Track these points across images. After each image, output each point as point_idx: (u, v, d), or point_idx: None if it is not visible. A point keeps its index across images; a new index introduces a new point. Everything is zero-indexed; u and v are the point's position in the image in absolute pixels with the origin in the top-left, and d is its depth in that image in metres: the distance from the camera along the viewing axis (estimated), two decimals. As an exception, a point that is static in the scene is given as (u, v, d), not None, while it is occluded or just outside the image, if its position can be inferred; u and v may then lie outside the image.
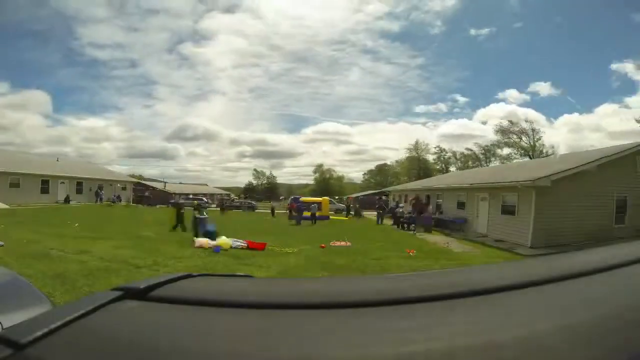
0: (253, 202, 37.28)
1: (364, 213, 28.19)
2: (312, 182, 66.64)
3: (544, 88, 61.87)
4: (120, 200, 31.58)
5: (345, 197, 49.58)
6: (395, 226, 18.24)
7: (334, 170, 66.38)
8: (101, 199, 30.14)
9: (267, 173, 69.28)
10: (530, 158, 41.41)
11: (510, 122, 48.41)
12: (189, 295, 0.53)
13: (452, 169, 52.08)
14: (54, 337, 0.39)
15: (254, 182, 68.59)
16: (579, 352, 0.32)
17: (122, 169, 45.71)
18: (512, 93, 59.17)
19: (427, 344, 0.34)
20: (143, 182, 45.33)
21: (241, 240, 9.88)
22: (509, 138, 48.41)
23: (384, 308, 0.43)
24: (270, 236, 11.68)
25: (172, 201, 24.54)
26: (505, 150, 49.05)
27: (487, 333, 0.35)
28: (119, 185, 35.04)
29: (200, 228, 10.67)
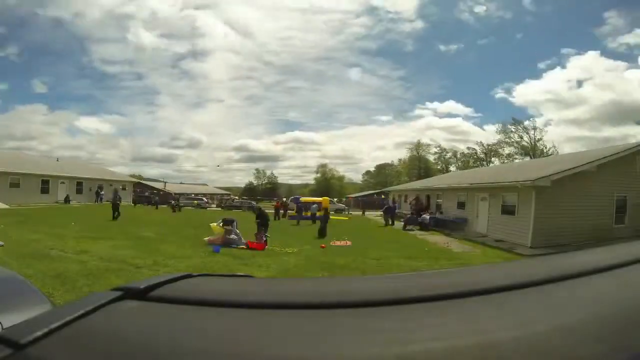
0: (253, 202, 37.27)
1: (366, 213, 28.21)
2: (312, 182, 66.81)
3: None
4: (121, 201, 31.51)
5: (344, 198, 49.62)
6: (392, 226, 18.24)
7: (335, 170, 66.54)
8: (101, 199, 30.13)
9: (268, 173, 69.39)
10: (531, 158, 41.42)
11: (514, 119, 48.45)
12: (189, 295, 0.53)
13: (453, 168, 52.12)
14: (54, 337, 0.39)
15: (255, 182, 68.68)
16: (579, 352, 0.32)
17: (122, 170, 46.58)
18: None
19: (427, 344, 0.34)
20: (143, 182, 45.34)
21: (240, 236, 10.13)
22: (510, 138, 48.46)
23: (384, 308, 0.43)
24: (270, 236, 11.67)
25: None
26: (506, 150, 49.13)
27: (487, 333, 0.35)
28: (120, 186, 35.04)
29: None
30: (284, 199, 29.63)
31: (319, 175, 66.17)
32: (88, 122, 68.18)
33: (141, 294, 0.52)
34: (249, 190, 64.34)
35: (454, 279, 0.55)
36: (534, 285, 0.46)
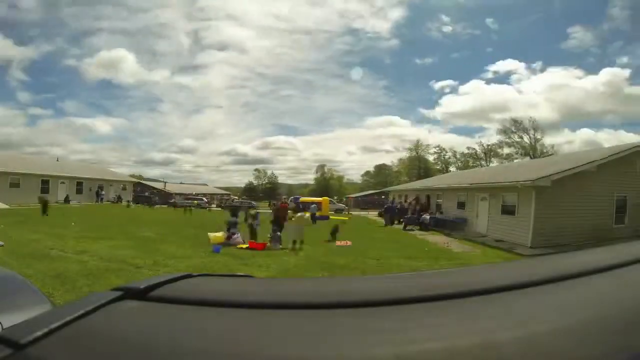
0: (253, 202, 37.26)
1: (366, 213, 28.20)
2: (312, 182, 66.86)
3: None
4: (121, 201, 31.60)
5: (344, 198, 49.62)
6: (391, 225, 18.24)
7: (334, 170, 66.58)
8: (101, 199, 30.14)
9: (269, 173, 69.43)
10: (531, 158, 41.42)
11: (514, 120, 48.45)
12: (189, 295, 0.53)
13: (452, 168, 52.12)
14: (54, 337, 0.39)
15: (255, 182, 68.69)
16: (579, 352, 0.32)
17: (124, 171, 47.49)
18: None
19: (427, 344, 0.34)
20: (143, 182, 45.34)
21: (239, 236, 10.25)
22: (510, 138, 48.45)
23: (384, 308, 0.43)
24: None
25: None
26: (506, 150, 49.13)
27: (487, 333, 0.35)
28: (120, 186, 35.05)
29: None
30: (284, 198, 29.59)
31: (318, 175, 66.23)
32: (98, 126, 70.36)
33: (141, 294, 0.52)
34: (249, 190, 64.34)
35: (454, 279, 0.55)
36: (534, 285, 0.46)
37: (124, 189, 35.60)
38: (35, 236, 9.81)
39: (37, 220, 14.11)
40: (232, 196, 49.58)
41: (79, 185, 30.01)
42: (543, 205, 11.47)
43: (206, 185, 61.36)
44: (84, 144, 69.21)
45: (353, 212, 32.78)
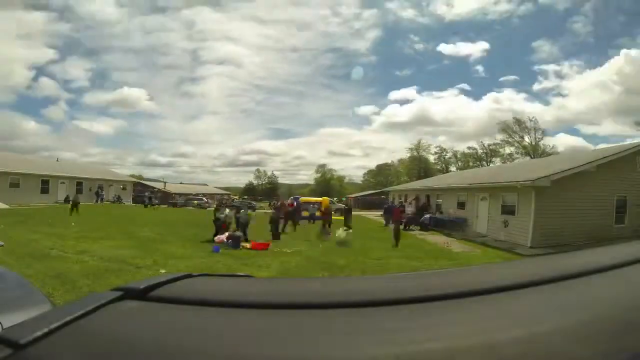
0: (253, 202, 37.25)
1: (366, 213, 28.19)
2: (312, 182, 66.88)
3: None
4: (121, 201, 31.60)
5: (344, 198, 49.60)
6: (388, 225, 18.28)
7: (334, 170, 66.62)
8: (102, 199, 30.13)
9: (269, 173, 69.46)
10: (531, 157, 41.40)
11: (515, 119, 48.41)
12: (189, 295, 0.53)
13: (453, 168, 52.10)
14: (54, 337, 0.39)
15: (255, 182, 68.71)
16: (579, 352, 0.32)
17: (126, 171, 48.37)
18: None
19: (427, 344, 0.34)
20: (143, 182, 45.35)
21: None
22: (511, 137, 48.41)
23: (384, 308, 0.43)
24: (270, 236, 11.67)
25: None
26: (507, 150, 49.09)
27: (487, 333, 0.35)
28: (120, 186, 35.04)
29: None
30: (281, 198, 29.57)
31: (319, 175, 66.22)
32: (106, 131, 77.06)
33: (141, 294, 0.52)
34: (249, 190, 64.33)
35: (454, 279, 0.55)
36: (534, 285, 0.46)
37: (124, 189, 35.59)
38: (35, 236, 9.82)
39: (37, 220, 14.11)
40: (232, 196, 49.59)
41: (79, 185, 29.99)
42: (543, 205, 11.47)
43: (206, 185, 61.42)
44: (96, 147, 72.18)
45: (353, 212, 32.74)
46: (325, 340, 0.37)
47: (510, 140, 48.51)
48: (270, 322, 0.43)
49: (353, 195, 50.39)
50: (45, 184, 26.59)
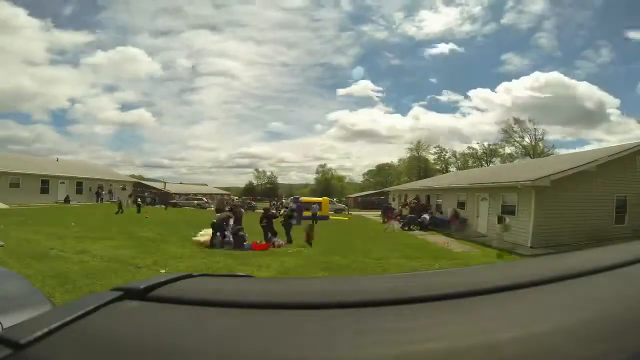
0: (253, 202, 37.24)
1: (366, 213, 28.18)
2: (312, 182, 66.88)
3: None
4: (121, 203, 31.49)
5: (344, 198, 49.60)
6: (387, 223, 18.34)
7: (334, 170, 66.59)
8: (102, 199, 30.11)
9: (268, 173, 69.44)
10: (531, 157, 41.37)
11: (516, 119, 48.35)
12: (189, 295, 0.53)
13: (452, 168, 52.07)
14: (54, 337, 0.39)
15: (254, 182, 68.68)
16: (579, 352, 0.32)
17: (127, 172, 49.22)
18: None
19: (427, 344, 0.34)
20: (143, 182, 45.34)
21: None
22: (511, 137, 48.37)
23: (384, 308, 0.43)
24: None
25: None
26: (507, 150, 49.04)
27: (487, 333, 0.35)
28: (120, 186, 35.03)
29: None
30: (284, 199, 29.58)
31: (319, 175, 66.21)
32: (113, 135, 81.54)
33: (141, 294, 0.52)
34: (249, 190, 64.32)
35: (454, 279, 0.55)
36: (534, 285, 0.46)
37: (124, 189, 35.58)
38: (35, 236, 9.81)
39: (37, 220, 14.11)
40: (232, 196, 49.57)
41: (79, 185, 29.99)
42: (543, 205, 11.47)
43: (206, 185, 61.44)
44: (103, 150, 76.19)
45: (353, 212, 32.81)
46: (326, 340, 0.37)
47: (510, 140, 48.51)
48: (271, 322, 0.43)
49: (353, 196, 50.39)
50: (45, 184, 26.58)
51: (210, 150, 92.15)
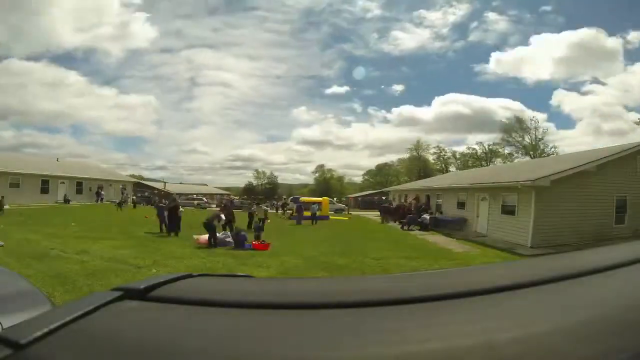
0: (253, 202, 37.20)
1: (366, 213, 28.22)
2: (312, 182, 66.82)
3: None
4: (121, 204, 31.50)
5: (344, 198, 49.59)
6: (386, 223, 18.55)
7: (334, 171, 66.53)
8: (102, 199, 30.10)
9: (268, 173, 69.38)
10: (532, 157, 41.33)
11: (517, 118, 48.28)
12: (189, 295, 0.53)
13: (452, 168, 52.03)
14: (54, 337, 0.39)
15: (254, 182, 68.64)
16: (579, 352, 0.32)
17: (127, 172, 49.66)
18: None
19: (427, 344, 0.34)
20: (143, 182, 45.34)
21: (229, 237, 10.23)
22: (512, 137, 48.31)
23: (384, 308, 0.43)
24: (270, 236, 11.67)
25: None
26: (507, 150, 48.99)
27: (487, 333, 0.35)
28: (120, 186, 35.01)
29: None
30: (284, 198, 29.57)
31: (318, 175, 66.15)
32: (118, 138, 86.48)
33: (141, 294, 0.52)
34: (249, 190, 64.27)
35: (454, 279, 0.56)
36: (534, 285, 0.46)
37: (124, 189, 35.58)
38: (35, 236, 9.82)
39: (37, 220, 14.11)
40: (231, 196, 49.59)
41: (79, 185, 29.98)
42: (543, 205, 11.47)
43: (206, 185, 61.44)
44: (110, 153, 78.86)
45: (353, 212, 32.80)
46: (326, 340, 0.37)
47: (510, 140, 48.45)
48: (270, 322, 0.43)
49: (353, 195, 50.37)
50: (45, 184, 26.58)
51: (210, 150, 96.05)
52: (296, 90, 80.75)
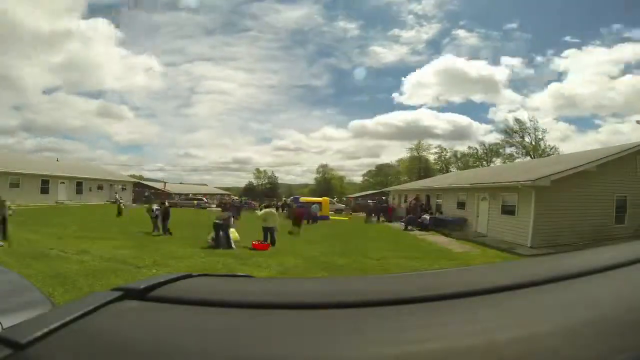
0: (253, 202, 37.23)
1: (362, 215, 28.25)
2: (312, 182, 66.79)
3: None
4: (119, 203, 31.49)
5: (344, 198, 49.56)
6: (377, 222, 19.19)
7: (334, 171, 66.49)
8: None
9: (269, 173, 69.34)
10: (532, 157, 41.30)
11: (517, 120, 48.24)
12: (189, 295, 0.53)
13: (453, 168, 51.98)
14: (54, 337, 0.39)
15: (254, 182, 68.60)
16: (579, 352, 0.32)
17: (128, 172, 49.88)
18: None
19: (427, 344, 0.34)
20: (143, 182, 45.35)
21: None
22: (512, 138, 48.28)
23: (384, 308, 0.43)
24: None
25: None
26: (508, 150, 48.94)
27: (487, 333, 0.35)
28: (120, 186, 35.02)
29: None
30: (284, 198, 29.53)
31: (319, 175, 66.10)
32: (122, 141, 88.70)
33: (141, 294, 0.52)
34: (249, 190, 64.24)
35: (454, 279, 0.56)
36: (534, 285, 0.46)
37: (124, 189, 35.58)
38: (35, 236, 9.83)
39: (37, 220, 14.11)
40: (232, 196, 49.55)
41: (79, 185, 29.98)
42: (543, 205, 11.47)
43: (206, 185, 61.44)
44: (114, 154, 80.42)
45: (352, 214, 32.82)
46: (325, 340, 0.37)
47: (510, 140, 48.41)
48: (270, 322, 0.43)
49: (353, 196, 50.34)
50: (45, 184, 26.57)
51: (209, 151, 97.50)
52: (287, 98, 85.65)
